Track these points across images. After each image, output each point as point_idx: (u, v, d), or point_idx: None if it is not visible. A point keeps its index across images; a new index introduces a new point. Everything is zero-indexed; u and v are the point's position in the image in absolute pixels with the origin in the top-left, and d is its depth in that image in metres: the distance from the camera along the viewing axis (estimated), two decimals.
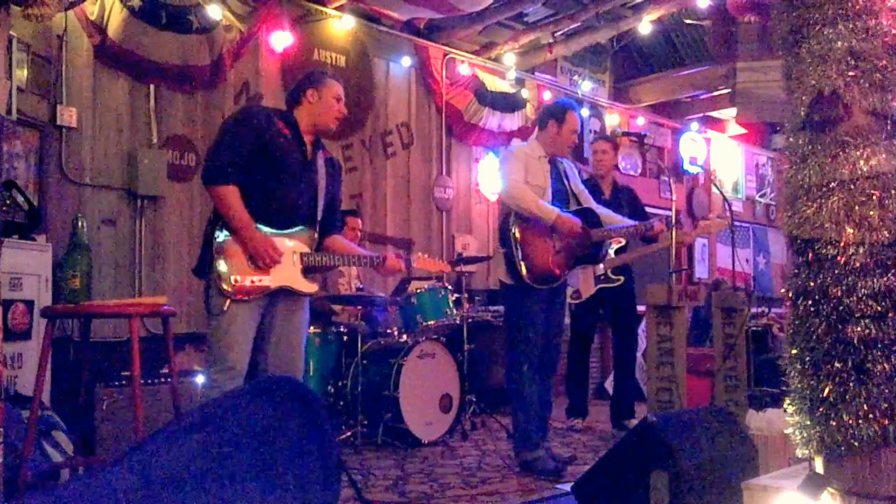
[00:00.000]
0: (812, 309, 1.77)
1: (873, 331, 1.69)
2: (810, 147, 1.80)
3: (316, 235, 3.12)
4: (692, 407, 3.59)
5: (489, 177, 7.14)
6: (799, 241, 1.82)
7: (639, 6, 7.02)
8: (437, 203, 6.88)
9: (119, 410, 3.73)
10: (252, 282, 2.91)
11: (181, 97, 5.25)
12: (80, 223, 4.25)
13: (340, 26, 6.09)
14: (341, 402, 4.67)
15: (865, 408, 1.68)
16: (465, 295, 5.11)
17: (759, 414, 3.13)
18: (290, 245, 3.02)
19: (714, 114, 9.43)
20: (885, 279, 1.69)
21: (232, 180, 2.89)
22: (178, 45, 5.12)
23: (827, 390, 1.72)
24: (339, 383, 4.69)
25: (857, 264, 1.72)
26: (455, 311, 4.92)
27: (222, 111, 5.39)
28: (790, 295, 1.84)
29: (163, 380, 3.89)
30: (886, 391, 1.67)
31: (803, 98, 1.82)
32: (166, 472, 1.61)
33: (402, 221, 6.61)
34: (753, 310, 6.32)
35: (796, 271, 1.83)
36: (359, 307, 4.89)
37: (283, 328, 3.05)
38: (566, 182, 4.03)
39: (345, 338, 4.78)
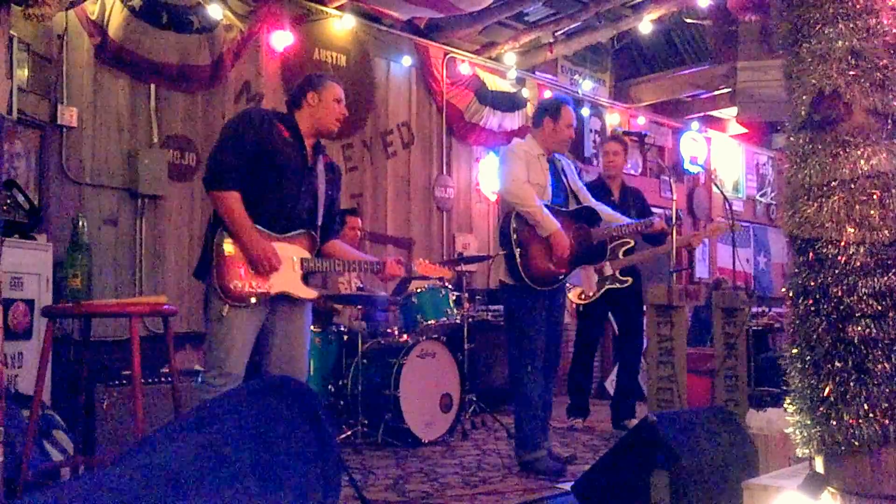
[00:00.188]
0: (812, 308, 1.77)
1: (874, 330, 1.69)
2: (811, 146, 1.80)
3: (316, 240, 3.12)
4: (692, 407, 3.59)
5: (490, 176, 7.14)
6: (799, 241, 1.82)
7: (639, 6, 7.02)
8: (438, 202, 6.89)
9: (119, 410, 3.73)
10: (251, 287, 2.91)
11: (181, 97, 5.26)
12: (80, 223, 4.26)
13: (341, 26, 6.09)
14: (341, 402, 4.67)
15: (865, 407, 1.67)
16: (466, 294, 5.11)
17: (759, 414, 3.13)
18: (291, 250, 3.01)
19: (714, 113, 9.43)
20: (885, 279, 1.69)
21: (234, 185, 2.89)
22: (179, 45, 5.12)
23: (827, 390, 1.72)
24: (339, 383, 4.69)
25: (858, 264, 1.71)
26: (455, 311, 4.92)
27: (223, 111, 5.39)
28: (790, 294, 1.84)
29: (163, 380, 3.89)
30: (887, 391, 1.67)
31: (804, 97, 1.82)
32: (166, 472, 1.61)
33: (403, 221, 6.61)
34: (754, 309, 6.32)
35: (797, 271, 1.83)
36: (359, 307, 4.89)
37: (285, 332, 3.05)
38: (565, 179, 4.01)
39: (345, 338, 4.78)
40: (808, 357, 1.77)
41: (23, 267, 3.70)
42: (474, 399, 5.21)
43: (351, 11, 6.11)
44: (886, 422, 1.66)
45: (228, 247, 2.90)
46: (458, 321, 4.94)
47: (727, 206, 4.46)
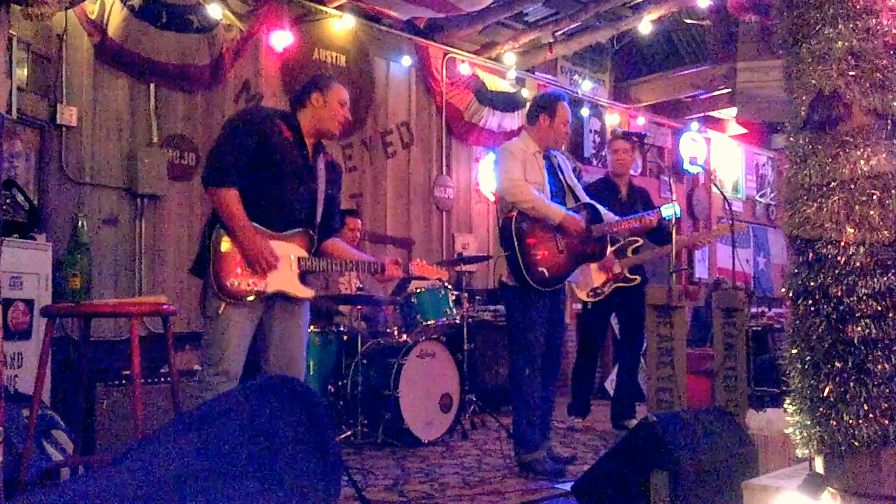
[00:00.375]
0: (812, 309, 1.77)
1: (873, 331, 1.69)
2: (811, 147, 1.80)
3: (314, 238, 3.12)
4: (692, 407, 3.59)
5: (487, 176, 7.15)
6: (799, 241, 1.82)
7: (639, 6, 7.02)
8: (438, 202, 6.89)
9: (119, 410, 3.73)
10: (248, 285, 2.91)
11: (181, 97, 5.26)
12: (80, 222, 4.25)
13: (341, 26, 6.09)
14: (341, 402, 4.67)
15: (865, 408, 1.68)
16: (465, 294, 5.11)
17: (759, 414, 3.13)
18: (288, 249, 3.02)
19: (714, 113, 9.43)
20: (885, 279, 1.69)
21: (232, 183, 2.89)
22: (178, 45, 5.12)
23: (827, 390, 1.72)
24: (339, 383, 4.69)
25: (858, 264, 1.72)
26: (455, 311, 4.91)
27: (222, 111, 5.39)
28: (790, 295, 1.84)
29: (163, 379, 3.89)
30: (886, 391, 1.67)
31: (804, 98, 1.82)
32: (166, 472, 1.61)
33: (403, 221, 6.61)
34: (753, 310, 6.32)
35: (796, 271, 1.83)
36: (359, 307, 4.89)
37: (283, 331, 3.05)
38: (561, 176, 3.99)
39: (345, 338, 4.78)
40: (808, 357, 1.78)
41: (22, 267, 3.70)
42: (474, 399, 5.21)
43: (351, 11, 6.11)
44: (886, 422, 1.66)
45: (226, 244, 2.90)
46: (457, 321, 4.94)
47: (727, 207, 4.46)
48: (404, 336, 4.85)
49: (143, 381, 3.61)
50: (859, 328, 1.70)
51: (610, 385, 6.64)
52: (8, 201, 3.85)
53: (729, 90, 7.96)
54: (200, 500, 1.59)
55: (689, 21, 8.12)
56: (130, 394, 3.33)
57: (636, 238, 4.96)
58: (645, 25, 6.88)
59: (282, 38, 5.68)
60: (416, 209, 6.72)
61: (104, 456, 3.50)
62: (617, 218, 4.01)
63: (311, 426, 1.94)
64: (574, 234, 3.76)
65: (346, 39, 6.20)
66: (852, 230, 1.72)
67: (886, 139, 1.74)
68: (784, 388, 1.85)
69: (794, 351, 1.81)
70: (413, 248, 6.63)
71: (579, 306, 5.30)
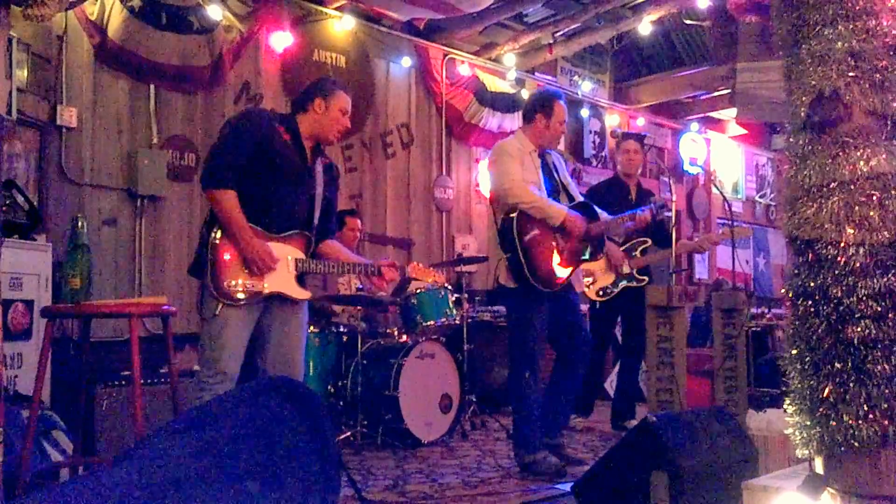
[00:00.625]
0: (812, 309, 1.77)
1: (873, 331, 1.69)
2: (810, 147, 1.80)
3: (312, 240, 3.12)
4: (692, 407, 3.59)
5: (484, 176, 7.15)
6: (799, 242, 1.82)
7: (639, 6, 7.02)
8: (438, 203, 6.89)
9: (119, 410, 3.73)
10: (245, 286, 2.91)
11: (181, 97, 5.26)
12: (80, 223, 4.26)
13: (340, 26, 6.09)
14: (341, 402, 4.67)
15: (865, 408, 1.68)
16: (465, 295, 5.11)
17: (759, 414, 3.14)
18: (286, 251, 3.02)
19: (714, 114, 9.43)
20: (885, 279, 1.69)
21: (230, 185, 2.89)
22: (178, 46, 5.12)
23: (827, 390, 1.73)
24: (339, 383, 4.68)
25: (858, 265, 1.72)
26: (455, 311, 4.91)
27: (222, 111, 5.39)
28: (790, 295, 1.84)
29: (163, 380, 3.89)
30: (886, 391, 1.67)
31: (803, 98, 1.82)
32: (166, 472, 1.61)
33: (402, 222, 6.61)
34: (753, 310, 6.32)
35: (796, 272, 1.83)
36: (359, 307, 4.89)
37: (281, 332, 3.05)
38: (556, 175, 3.98)
39: (345, 338, 4.78)
40: (808, 358, 1.78)
41: (22, 267, 3.70)
42: (474, 400, 5.21)
43: (350, 12, 6.11)
44: (886, 422, 1.66)
45: (224, 245, 2.90)
46: (457, 322, 4.93)
47: (727, 208, 4.46)
48: (404, 336, 4.85)
49: (142, 381, 3.61)
50: (859, 329, 1.70)
51: (609, 386, 6.63)
52: (8, 202, 3.84)
53: (729, 90, 7.96)
54: (200, 501, 1.59)
55: (688, 22, 8.12)
56: (130, 394, 3.32)
57: (645, 239, 4.95)
58: (645, 26, 6.89)
59: (282, 40, 5.68)
60: (416, 210, 6.72)
61: (104, 456, 3.50)
62: (612, 217, 4.02)
63: (311, 427, 1.94)
64: (575, 233, 3.75)
65: (346, 40, 6.20)
66: (852, 231, 1.72)
67: (886, 140, 1.74)
68: (784, 389, 1.85)
69: (794, 351, 1.81)
70: (413, 248, 6.63)
71: (586, 307, 5.29)
